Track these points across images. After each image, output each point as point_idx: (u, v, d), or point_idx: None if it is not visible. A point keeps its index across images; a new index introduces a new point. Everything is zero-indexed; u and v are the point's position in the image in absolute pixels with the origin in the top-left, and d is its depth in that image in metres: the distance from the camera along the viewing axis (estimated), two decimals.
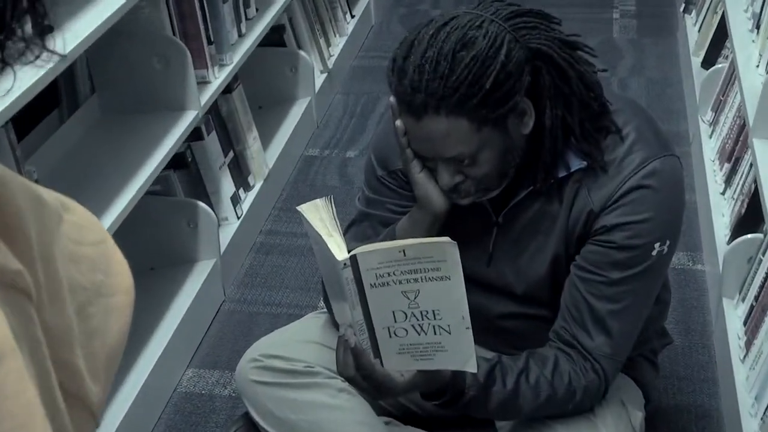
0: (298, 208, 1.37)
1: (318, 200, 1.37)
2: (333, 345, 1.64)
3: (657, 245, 1.47)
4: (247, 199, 2.69)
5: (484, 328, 1.58)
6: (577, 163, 1.46)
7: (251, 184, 2.74)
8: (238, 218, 2.59)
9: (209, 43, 2.43)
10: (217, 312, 2.43)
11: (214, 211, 2.41)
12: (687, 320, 2.34)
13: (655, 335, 1.73)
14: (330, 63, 3.49)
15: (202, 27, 2.40)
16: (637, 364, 1.71)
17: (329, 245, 1.31)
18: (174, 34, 2.33)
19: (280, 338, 1.73)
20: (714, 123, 2.82)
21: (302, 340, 1.71)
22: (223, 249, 2.45)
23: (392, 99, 1.41)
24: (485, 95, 1.34)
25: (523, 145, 1.43)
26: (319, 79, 3.39)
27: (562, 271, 1.54)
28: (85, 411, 0.50)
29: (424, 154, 1.43)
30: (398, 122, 1.41)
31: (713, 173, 2.63)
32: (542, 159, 1.45)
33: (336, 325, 1.64)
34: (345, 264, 1.30)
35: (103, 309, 0.52)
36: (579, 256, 1.51)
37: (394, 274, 1.30)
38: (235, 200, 2.59)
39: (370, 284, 1.31)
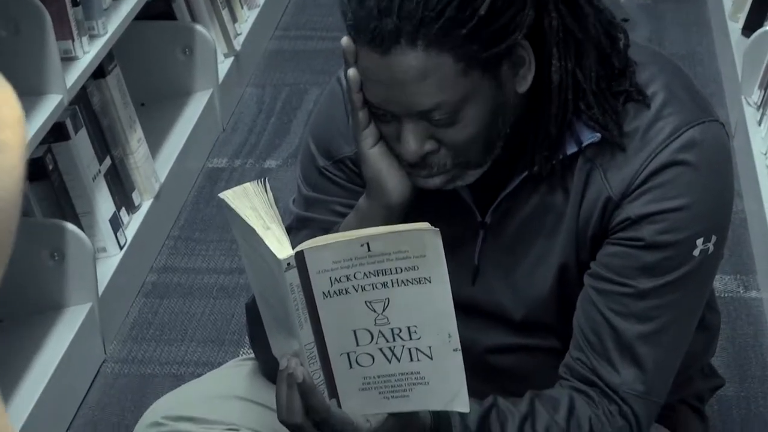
0: (221, 195, 1.38)
1: (248, 184, 1.38)
2: (263, 401, 1.65)
3: (700, 242, 1.50)
4: (132, 224, 2.71)
5: (471, 367, 1.60)
6: (588, 136, 1.49)
7: (137, 204, 2.76)
8: (121, 249, 2.61)
9: (74, 3, 2.45)
10: (96, 375, 2.43)
11: (87, 237, 2.42)
12: (741, 362, 2.39)
13: (699, 374, 1.76)
14: (237, 43, 3.52)
15: None
16: (678, 413, 1.73)
17: (266, 241, 1.32)
18: None
19: (190, 395, 1.73)
20: (764, 104, 2.90)
21: (220, 395, 1.71)
22: (101, 290, 2.46)
23: (345, 39, 1.44)
24: (477, 25, 1.37)
25: (517, 108, 1.47)
26: (224, 66, 3.42)
27: (572, 284, 1.56)
28: None
29: (385, 108, 1.44)
30: (352, 71, 1.43)
31: (766, 172, 2.70)
32: (543, 131, 1.48)
33: (268, 374, 1.64)
34: (289, 264, 1.31)
35: None
36: (595, 262, 1.53)
37: (354, 277, 1.32)
38: (116, 225, 2.61)
39: (323, 293, 1.33)
